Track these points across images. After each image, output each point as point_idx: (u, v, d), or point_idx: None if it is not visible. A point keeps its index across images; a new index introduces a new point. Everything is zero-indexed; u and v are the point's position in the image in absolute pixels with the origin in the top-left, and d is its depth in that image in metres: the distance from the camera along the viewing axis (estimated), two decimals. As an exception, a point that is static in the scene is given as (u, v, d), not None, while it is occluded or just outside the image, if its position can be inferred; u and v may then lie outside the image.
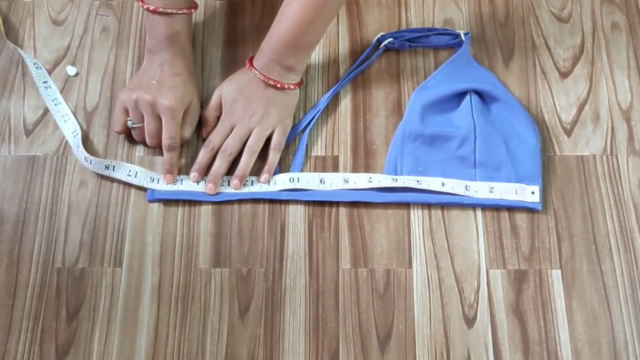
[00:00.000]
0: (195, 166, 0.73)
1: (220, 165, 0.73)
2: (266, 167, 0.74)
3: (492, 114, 0.76)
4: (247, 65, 0.73)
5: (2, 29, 0.82)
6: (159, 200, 0.73)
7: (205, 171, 0.74)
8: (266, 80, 0.72)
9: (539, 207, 0.72)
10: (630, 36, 0.82)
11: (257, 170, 0.74)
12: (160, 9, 0.73)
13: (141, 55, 0.81)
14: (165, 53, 0.75)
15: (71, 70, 0.80)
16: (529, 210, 0.73)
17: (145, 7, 0.73)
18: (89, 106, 0.79)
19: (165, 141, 0.72)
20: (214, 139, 0.73)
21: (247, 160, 0.73)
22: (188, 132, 0.75)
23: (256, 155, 0.73)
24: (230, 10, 0.84)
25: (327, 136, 0.77)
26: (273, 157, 0.74)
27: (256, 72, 0.72)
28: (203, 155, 0.73)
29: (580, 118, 0.77)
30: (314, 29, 0.70)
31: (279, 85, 0.72)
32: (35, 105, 0.79)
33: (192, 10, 0.76)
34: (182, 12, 0.74)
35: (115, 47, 0.82)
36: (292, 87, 0.73)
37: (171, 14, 0.73)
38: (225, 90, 0.74)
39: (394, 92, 0.79)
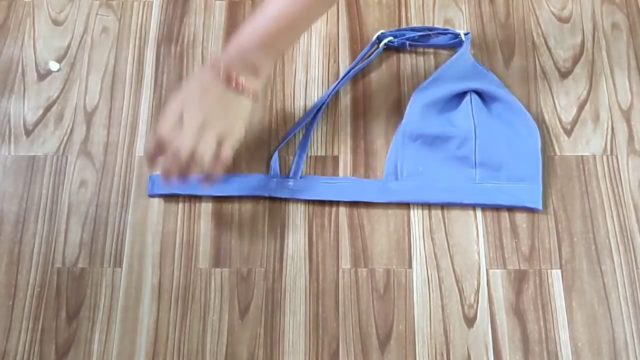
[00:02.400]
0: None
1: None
2: (206, 176, 0.66)
3: (492, 114, 0.76)
4: (209, 59, 0.64)
5: None
6: (159, 195, 0.73)
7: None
8: (229, 77, 0.63)
9: (539, 207, 0.72)
10: (630, 36, 0.82)
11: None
12: None
13: (141, 55, 0.81)
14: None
15: (54, 66, 0.80)
16: (529, 210, 0.73)
17: None
18: (89, 106, 0.79)
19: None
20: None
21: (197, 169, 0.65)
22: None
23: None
24: (230, 10, 0.84)
25: (327, 136, 0.77)
26: (219, 168, 0.66)
27: (220, 66, 0.63)
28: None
29: (580, 118, 0.77)
30: (301, 23, 0.65)
31: (240, 87, 0.64)
32: (35, 105, 0.79)
33: None
34: None
35: (115, 47, 0.82)
36: (247, 89, 0.65)
37: None
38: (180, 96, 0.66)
39: (394, 92, 0.79)
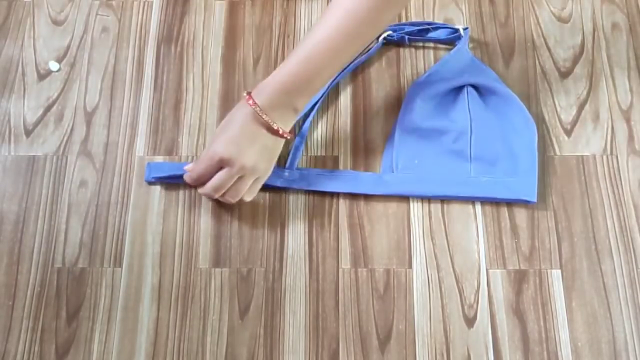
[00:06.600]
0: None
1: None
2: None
3: (488, 108, 0.75)
4: (247, 99, 0.66)
5: None
6: (157, 179, 0.73)
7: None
8: (267, 122, 0.65)
9: (534, 200, 0.71)
10: (630, 36, 0.82)
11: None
12: None
13: (141, 55, 0.81)
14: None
15: (54, 66, 0.80)
16: (528, 208, 0.73)
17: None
18: (89, 106, 0.79)
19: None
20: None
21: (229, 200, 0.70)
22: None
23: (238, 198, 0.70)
24: (230, 10, 0.84)
25: (327, 136, 0.77)
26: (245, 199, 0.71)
27: (258, 110, 0.65)
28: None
29: (580, 118, 0.77)
30: (345, 56, 0.66)
31: (279, 132, 0.66)
32: (35, 105, 0.79)
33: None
34: None
35: (115, 47, 0.82)
36: (287, 135, 0.68)
37: None
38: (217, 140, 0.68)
39: (394, 91, 0.79)
